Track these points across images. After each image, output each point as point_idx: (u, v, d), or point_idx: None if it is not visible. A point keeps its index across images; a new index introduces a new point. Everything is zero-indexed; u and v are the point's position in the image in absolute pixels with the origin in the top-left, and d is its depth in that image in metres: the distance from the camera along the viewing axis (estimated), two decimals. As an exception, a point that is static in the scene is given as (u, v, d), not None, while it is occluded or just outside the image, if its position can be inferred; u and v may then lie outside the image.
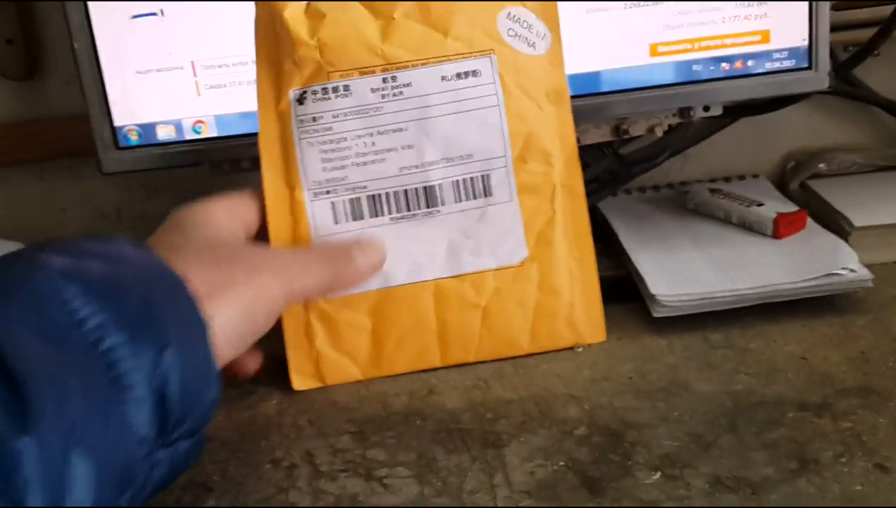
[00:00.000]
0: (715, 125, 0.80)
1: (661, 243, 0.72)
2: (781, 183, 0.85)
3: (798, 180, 0.84)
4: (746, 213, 0.74)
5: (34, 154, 0.82)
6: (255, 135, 0.63)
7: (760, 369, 0.60)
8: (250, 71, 0.64)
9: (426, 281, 0.63)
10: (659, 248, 0.71)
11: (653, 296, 0.65)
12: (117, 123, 0.67)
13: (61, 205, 0.87)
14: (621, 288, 0.69)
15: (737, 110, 0.73)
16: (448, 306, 0.64)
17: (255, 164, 0.70)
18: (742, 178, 0.85)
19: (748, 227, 0.73)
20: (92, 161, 0.82)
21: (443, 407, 0.59)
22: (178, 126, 0.68)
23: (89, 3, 0.64)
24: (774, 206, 0.73)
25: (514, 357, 0.64)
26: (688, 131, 0.76)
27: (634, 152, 0.77)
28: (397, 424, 0.58)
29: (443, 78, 0.62)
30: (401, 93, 0.62)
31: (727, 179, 0.85)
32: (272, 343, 0.67)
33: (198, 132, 0.68)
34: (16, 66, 0.80)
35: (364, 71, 0.61)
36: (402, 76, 0.61)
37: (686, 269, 0.68)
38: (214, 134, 0.68)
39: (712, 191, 0.78)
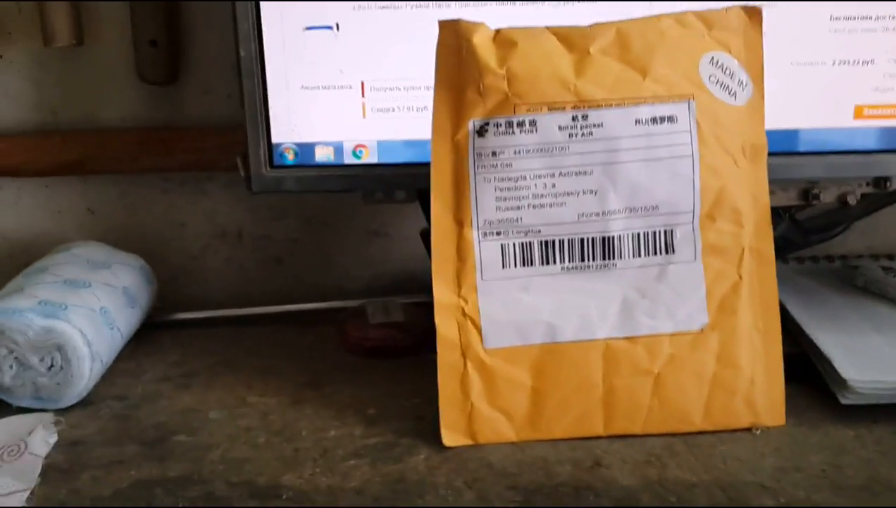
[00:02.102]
0: (887, 198, 0.74)
1: (837, 323, 0.67)
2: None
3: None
4: (928, 297, 0.68)
5: (161, 164, 0.79)
6: (417, 165, 0.58)
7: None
8: (423, 97, 0.60)
9: (596, 340, 0.58)
10: (837, 327, 0.66)
11: (843, 381, 0.59)
12: (275, 139, 0.63)
13: (182, 219, 0.83)
14: (794, 366, 0.63)
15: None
16: (617, 370, 0.58)
17: (410, 196, 0.66)
18: (907, 257, 0.80)
19: (929, 312, 0.67)
20: (219, 177, 0.80)
21: (615, 483, 0.53)
22: (339, 148, 0.64)
23: (262, 7, 0.60)
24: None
25: (684, 433, 0.58)
26: (872, 204, 0.71)
27: (812, 219, 0.72)
28: (567, 497, 0.52)
29: (637, 121, 0.57)
30: (590, 133, 0.57)
31: (891, 257, 0.79)
32: (411, 394, 0.63)
33: (358, 157, 0.64)
34: (156, 69, 0.76)
35: (553, 106, 0.56)
36: (594, 115, 0.57)
37: (874, 353, 0.62)
38: (375, 160, 0.64)
39: (885, 269, 0.72)
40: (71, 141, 0.78)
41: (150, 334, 0.74)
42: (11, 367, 0.61)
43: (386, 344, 0.71)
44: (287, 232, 0.83)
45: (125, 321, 0.69)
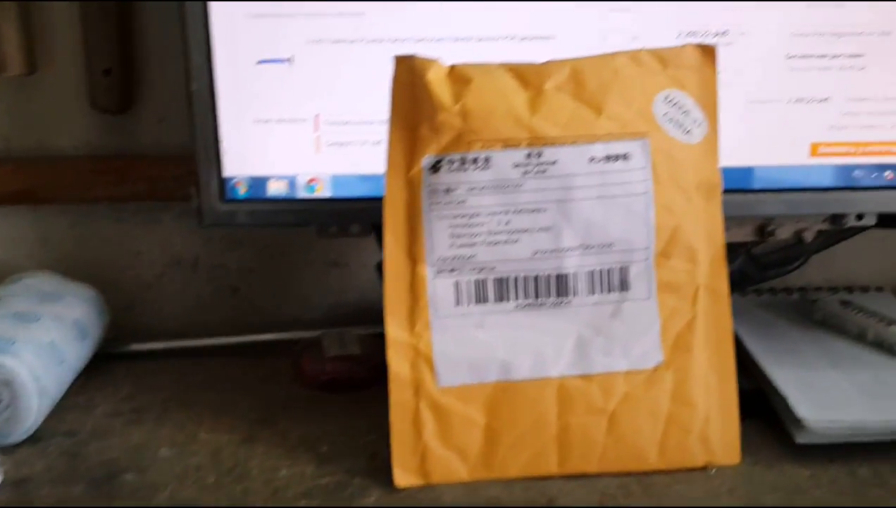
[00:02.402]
0: (844, 234, 0.74)
1: (794, 357, 0.67)
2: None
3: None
4: (885, 332, 0.68)
5: (115, 193, 0.77)
6: (371, 200, 0.58)
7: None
8: (377, 131, 0.60)
9: (550, 378, 0.58)
10: (793, 363, 0.66)
11: (798, 420, 0.59)
12: (227, 173, 0.62)
13: (137, 249, 0.81)
14: (748, 403, 0.63)
15: (890, 221, 0.68)
16: (572, 409, 0.57)
17: (365, 229, 0.65)
18: (865, 289, 0.80)
19: (886, 347, 0.67)
20: (175, 206, 0.79)
21: (569, 525, 0.53)
22: (292, 182, 0.63)
23: (214, 40, 0.59)
24: (915, 326, 0.68)
25: (639, 472, 0.57)
26: (830, 238, 0.71)
27: (768, 254, 0.72)
28: (519, 540, 0.52)
29: (591, 159, 0.56)
30: (544, 171, 0.56)
31: (849, 290, 0.80)
32: (366, 430, 0.62)
33: (311, 191, 0.63)
34: (110, 98, 0.75)
35: (508, 143, 0.56)
36: (549, 153, 0.56)
37: (830, 391, 0.62)
38: (329, 194, 0.63)
39: (843, 303, 0.72)
40: (23, 169, 0.77)
41: (102, 365, 0.73)
42: (-45, 404, 0.60)
43: (342, 377, 0.70)
44: (243, 261, 0.82)
45: (75, 354, 0.67)
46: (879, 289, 0.80)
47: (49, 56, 0.76)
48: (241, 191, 0.63)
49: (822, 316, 0.73)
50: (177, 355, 0.77)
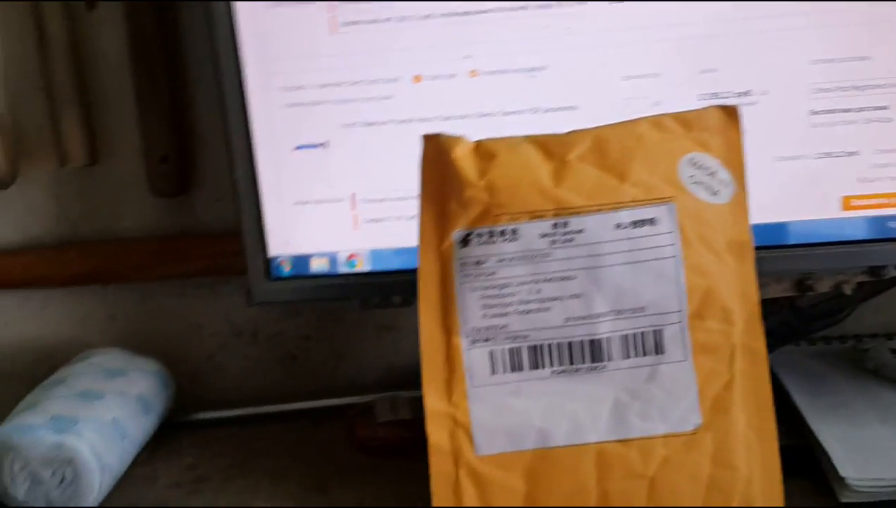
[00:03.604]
0: (889, 283, 0.73)
1: (841, 412, 0.66)
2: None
3: None
4: (939, 382, 0.66)
5: (178, 270, 0.81)
6: (409, 271, 0.59)
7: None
8: (410, 206, 0.62)
9: (588, 444, 0.58)
10: (840, 418, 0.65)
11: (841, 479, 0.58)
12: (271, 253, 0.65)
13: (198, 322, 0.85)
14: (796, 459, 0.62)
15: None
16: (611, 475, 0.58)
17: (406, 300, 0.67)
18: (924, 335, 0.78)
19: (941, 398, 0.66)
20: (234, 280, 0.83)
21: (608, 593, 0.53)
22: (333, 259, 0.65)
23: (254, 129, 0.63)
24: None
25: (680, 537, 0.57)
26: (877, 286, 0.70)
27: (813, 306, 0.71)
28: None
29: (617, 225, 0.57)
30: (571, 239, 0.58)
31: (904, 336, 0.78)
32: (416, 496, 0.64)
33: (352, 266, 0.65)
34: (167, 183, 0.79)
35: (534, 215, 0.57)
36: (575, 222, 0.57)
37: (876, 448, 0.61)
38: (368, 268, 0.65)
39: (894, 352, 0.71)
40: (91, 252, 0.82)
41: (168, 435, 0.76)
42: (25, 481, 0.63)
43: (393, 443, 0.72)
44: (300, 329, 0.85)
45: (138, 428, 0.71)
46: (938, 334, 0.79)
47: (110, 147, 0.81)
48: (286, 269, 0.66)
49: (874, 365, 0.71)
50: (238, 422, 0.80)
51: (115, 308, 0.85)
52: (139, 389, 0.73)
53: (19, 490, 0.63)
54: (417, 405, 0.76)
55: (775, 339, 0.70)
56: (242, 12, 0.62)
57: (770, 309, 0.69)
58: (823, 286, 0.64)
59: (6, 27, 0.79)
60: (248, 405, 0.81)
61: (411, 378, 0.84)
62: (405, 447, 0.71)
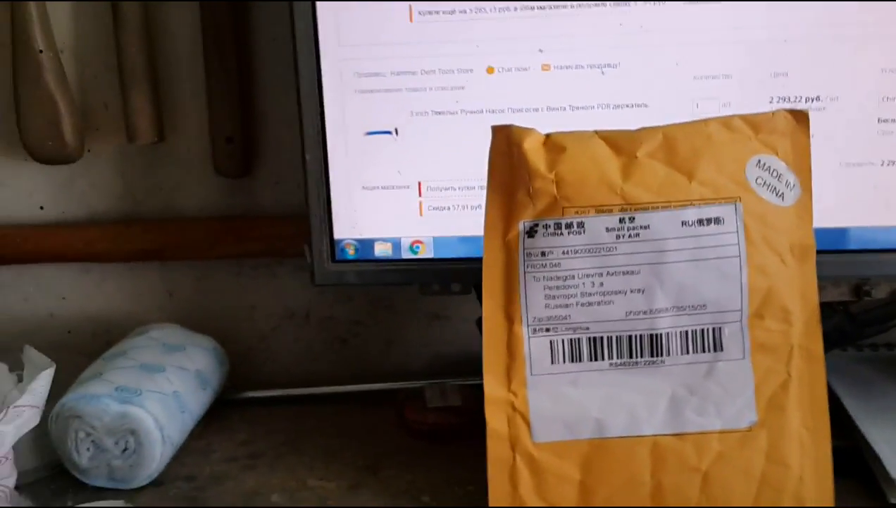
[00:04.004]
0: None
1: (890, 416, 0.66)
2: None
3: None
4: None
5: (235, 250, 0.83)
6: (470, 260, 0.61)
7: None
8: (476, 196, 0.63)
9: (644, 436, 0.59)
10: (890, 421, 0.65)
11: (892, 480, 0.59)
12: (337, 236, 0.66)
13: (252, 302, 0.87)
14: (845, 460, 0.62)
15: None
16: (665, 467, 0.59)
17: (466, 288, 0.68)
18: (973, 346, 0.78)
19: None
20: (288, 262, 0.84)
21: (661, 582, 0.54)
22: (396, 244, 0.67)
23: (326, 114, 0.64)
24: None
25: (731, 531, 0.58)
26: (929, 296, 0.70)
27: (867, 312, 0.71)
28: (611, 596, 0.53)
29: (683, 223, 0.58)
30: (637, 235, 0.58)
31: (956, 347, 0.78)
32: (466, 480, 0.65)
33: (415, 252, 0.67)
34: (232, 164, 0.81)
35: (601, 209, 0.58)
36: (641, 218, 0.58)
37: (928, 452, 0.61)
38: (431, 255, 0.67)
39: (946, 361, 0.71)
40: (152, 229, 0.84)
41: (221, 411, 0.78)
42: (88, 450, 0.65)
43: (443, 429, 0.73)
44: (352, 314, 0.86)
45: (196, 403, 0.73)
46: None
47: (176, 125, 0.83)
48: (350, 252, 0.67)
49: (925, 374, 0.72)
50: (289, 402, 0.81)
51: (172, 285, 0.87)
52: (197, 365, 0.75)
53: (83, 457, 0.65)
54: (467, 392, 0.78)
55: (827, 343, 0.70)
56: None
57: (824, 313, 0.69)
58: (881, 292, 0.65)
59: (82, 4, 0.80)
60: (298, 386, 0.82)
61: (459, 366, 0.86)
62: (455, 432, 0.72)
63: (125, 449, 0.65)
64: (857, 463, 0.63)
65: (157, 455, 0.66)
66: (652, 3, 0.62)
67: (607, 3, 0.62)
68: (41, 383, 0.61)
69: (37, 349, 0.65)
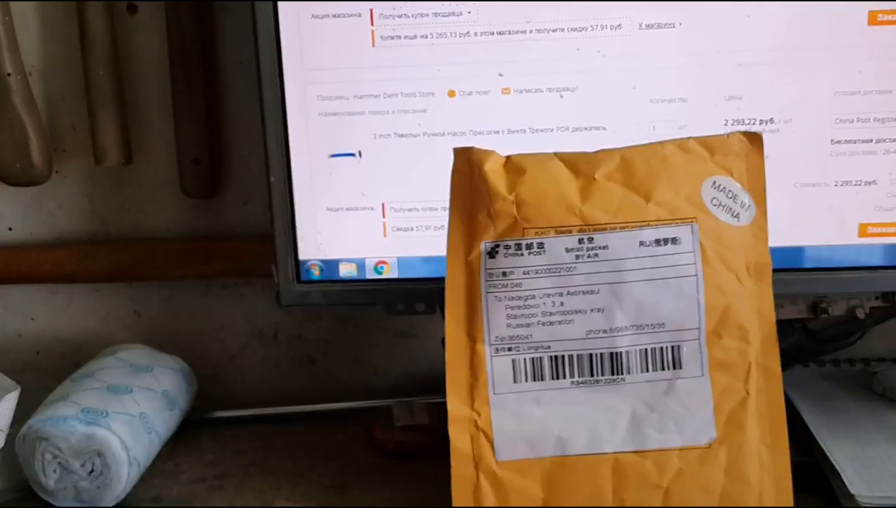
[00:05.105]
0: (903, 306, 0.75)
1: (851, 431, 0.67)
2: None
3: None
4: (946, 406, 0.68)
5: (203, 270, 0.83)
6: (434, 280, 0.61)
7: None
8: (439, 217, 0.63)
9: (605, 454, 0.60)
10: (850, 437, 0.66)
11: (851, 496, 0.60)
12: (302, 257, 0.67)
13: (220, 322, 0.87)
14: (805, 475, 0.64)
15: (944, 297, 0.69)
16: (627, 484, 0.60)
17: (430, 308, 0.69)
18: (931, 360, 0.80)
19: (948, 422, 0.68)
20: (256, 282, 0.85)
21: None
22: (361, 265, 0.67)
23: (291, 137, 0.65)
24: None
25: (692, 547, 0.59)
26: (890, 310, 0.71)
27: (826, 329, 0.73)
28: None
29: (641, 243, 0.59)
30: (596, 255, 0.59)
31: (914, 361, 0.80)
32: (432, 498, 0.65)
33: (379, 272, 0.67)
34: (199, 185, 0.81)
35: (560, 230, 0.59)
36: (599, 238, 0.59)
37: (884, 466, 0.62)
38: (395, 275, 0.67)
39: (904, 376, 0.73)
40: (120, 250, 0.84)
41: (189, 431, 0.78)
42: (55, 471, 0.65)
43: (410, 447, 0.73)
44: (320, 333, 0.87)
45: (163, 424, 0.73)
46: (946, 360, 0.80)
47: (144, 148, 0.83)
48: (315, 273, 0.68)
49: (883, 389, 0.73)
50: (258, 421, 0.81)
51: (140, 306, 0.87)
52: (165, 385, 0.75)
53: (50, 479, 0.65)
54: (435, 410, 0.79)
55: (787, 359, 0.72)
56: (285, 22, 0.64)
57: (783, 331, 0.71)
58: (837, 310, 0.66)
59: (49, 26, 0.81)
60: (267, 406, 0.82)
61: (427, 385, 0.87)
62: (422, 451, 0.73)
63: (92, 471, 0.65)
64: (817, 478, 0.64)
65: (123, 477, 0.66)
66: (609, 30, 0.64)
67: (563, 28, 0.63)
68: (5, 405, 0.62)
69: (5, 369, 0.65)
